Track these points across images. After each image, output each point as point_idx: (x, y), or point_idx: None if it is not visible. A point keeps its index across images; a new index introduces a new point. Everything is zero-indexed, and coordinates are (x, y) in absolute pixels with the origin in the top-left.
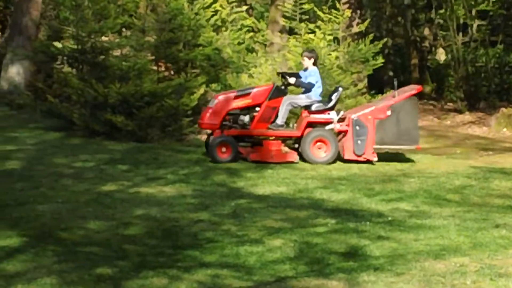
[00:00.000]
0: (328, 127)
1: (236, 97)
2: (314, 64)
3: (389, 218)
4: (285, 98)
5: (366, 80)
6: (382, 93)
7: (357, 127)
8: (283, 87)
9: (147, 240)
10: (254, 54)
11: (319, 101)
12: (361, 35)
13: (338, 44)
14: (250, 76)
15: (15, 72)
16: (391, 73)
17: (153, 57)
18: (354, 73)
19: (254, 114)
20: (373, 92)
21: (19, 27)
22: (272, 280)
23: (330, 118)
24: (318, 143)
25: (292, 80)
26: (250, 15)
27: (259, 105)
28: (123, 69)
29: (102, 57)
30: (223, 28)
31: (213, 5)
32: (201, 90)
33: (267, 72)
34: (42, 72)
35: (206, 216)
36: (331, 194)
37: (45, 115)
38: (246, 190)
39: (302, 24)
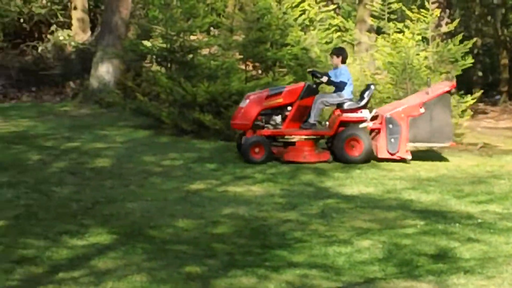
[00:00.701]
0: (361, 125)
1: (268, 97)
2: (343, 62)
3: (479, 220)
4: (316, 97)
5: (454, 81)
6: (471, 93)
7: (390, 125)
8: (314, 86)
9: (235, 239)
10: None
11: (351, 99)
12: (450, 35)
13: (427, 44)
14: None
15: (105, 70)
16: (480, 74)
17: (241, 56)
18: (443, 73)
19: (286, 113)
20: (461, 92)
21: (109, 26)
22: (361, 281)
23: (363, 116)
24: (351, 142)
25: (324, 79)
26: (338, 14)
27: (291, 105)
28: (211, 68)
29: (191, 56)
30: (311, 27)
31: (301, 4)
32: None
33: (355, 72)
34: (131, 70)
35: (294, 216)
36: (420, 195)
37: (134, 113)
38: (334, 190)
39: (391, 24)
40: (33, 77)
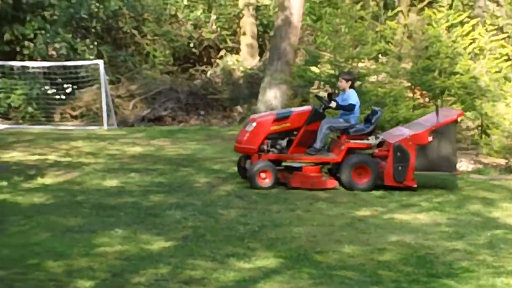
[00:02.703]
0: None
1: (275, 121)
2: (351, 86)
3: None
4: (323, 121)
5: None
6: None
7: (398, 153)
8: (321, 111)
9: (401, 267)
10: None
11: (357, 125)
12: None
13: None
14: (507, 105)
15: (273, 96)
16: None
17: (409, 84)
18: None
19: (292, 138)
20: None
21: (277, 52)
22: None
23: (370, 143)
24: (358, 170)
25: (333, 104)
26: (508, 43)
27: (297, 129)
28: (379, 95)
29: (359, 83)
30: (481, 56)
31: (471, 33)
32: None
33: None
34: (298, 96)
35: (461, 245)
36: None
37: None
38: (502, 221)
39: None
40: (202, 100)
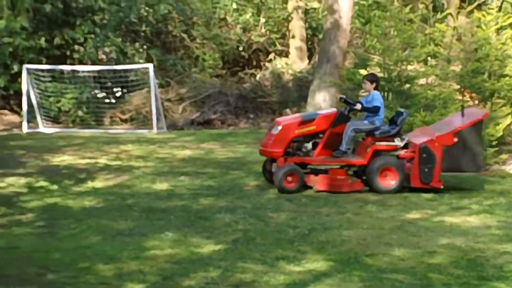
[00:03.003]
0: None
1: (301, 124)
2: (376, 88)
3: None
4: (348, 124)
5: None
6: None
7: (424, 155)
8: (346, 113)
9: (452, 270)
10: None
11: (382, 126)
12: None
13: None
14: None
15: (322, 99)
16: None
17: (458, 87)
18: None
19: (317, 140)
20: None
21: (326, 55)
22: None
23: (396, 145)
24: (385, 172)
25: (358, 106)
26: None
27: (322, 132)
28: (428, 98)
29: (408, 85)
30: None
31: None
32: (507, 121)
33: None
34: None
35: None
36: None
37: None
38: None
39: None
40: (251, 104)
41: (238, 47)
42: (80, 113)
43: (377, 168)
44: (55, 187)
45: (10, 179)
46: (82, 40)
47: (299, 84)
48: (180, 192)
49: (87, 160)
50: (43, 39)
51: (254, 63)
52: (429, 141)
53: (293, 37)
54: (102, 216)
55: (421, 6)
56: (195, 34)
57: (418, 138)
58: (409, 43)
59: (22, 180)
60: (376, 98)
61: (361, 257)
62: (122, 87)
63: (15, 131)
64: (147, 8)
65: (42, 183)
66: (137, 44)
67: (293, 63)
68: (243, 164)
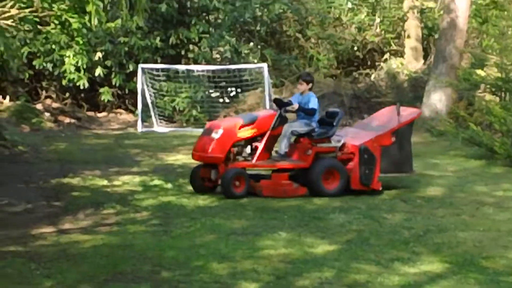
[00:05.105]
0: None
1: (242, 127)
2: (310, 89)
3: None
4: (285, 126)
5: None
6: None
7: (365, 156)
8: (284, 115)
9: None
10: None
11: (318, 128)
12: None
13: None
14: None
15: (437, 99)
16: None
17: None
18: None
19: (256, 144)
20: None
21: (443, 55)
22: None
23: (335, 146)
24: (327, 175)
25: (295, 106)
26: None
27: (262, 135)
28: None
29: None
30: None
31: None
32: None
33: None
34: (463, 100)
35: None
36: None
37: (466, 143)
38: None
39: None
40: (365, 104)
41: (352, 47)
42: (194, 112)
43: (321, 170)
44: (169, 185)
45: (125, 178)
46: (197, 39)
47: (414, 84)
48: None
49: None
50: (158, 38)
51: (369, 63)
52: (369, 142)
53: (409, 37)
54: (216, 215)
55: None
56: (309, 33)
57: (354, 138)
58: None
59: (137, 179)
60: (313, 100)
61: (477, 260)
62: (236, 87)
63: (130, 130)
64: (261, 8)
65: (157, 182)
66: (251, 44)
67: (408, 63)
68: None
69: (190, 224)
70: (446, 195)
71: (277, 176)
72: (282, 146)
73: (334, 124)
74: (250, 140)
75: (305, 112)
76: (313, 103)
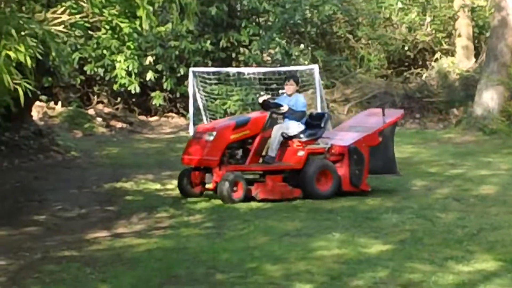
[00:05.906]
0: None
1: (235, 128)
2: (297, 90)
3: None
4: (276, 127)
5: None
6: None
7: (355, 156)
8: (275, 116)
9: None
10: None
11: (307, 130)
12: None
13: None
14: None
15: (489, 97)
16: None
17: None
18: None
19: (248, 146)
20: None
21: (494, 53)
22: None
23: (324, 147)
24: (319, 176)
25: (285, 107)
26: None
27: (253, 137)
28: None
29: None
30: None
31: None
32: None
33: None
34: None
35: None
36: None
37: None
38: None
39: None
40: (417, 104)
41: (403, 46)
42: None
43: (314, 172)
44: None
45: None
46: (247, 42)
47: (466, 83)
48: (346, 193)
49: None
50: (208, 42)
51: (420, 62)
52: (357, 142)
53: (460, 35)
54: (269, 217)
55: None
56: (360, 34)
57: (341, 140)
58: None
59: None
60: (302, 101)
61: None
62: None
63: (182, 133)
64: (311, 9)
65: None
66: (302, 46)
67: (459, 62)
68: (409, 164)
69: (244, 227)
70: (499, 194)
71: (272, 179)
72: (273, 148)
73: (322, 125)
74: (242, 142)
75: (294, 114)
76: (302, 105)
